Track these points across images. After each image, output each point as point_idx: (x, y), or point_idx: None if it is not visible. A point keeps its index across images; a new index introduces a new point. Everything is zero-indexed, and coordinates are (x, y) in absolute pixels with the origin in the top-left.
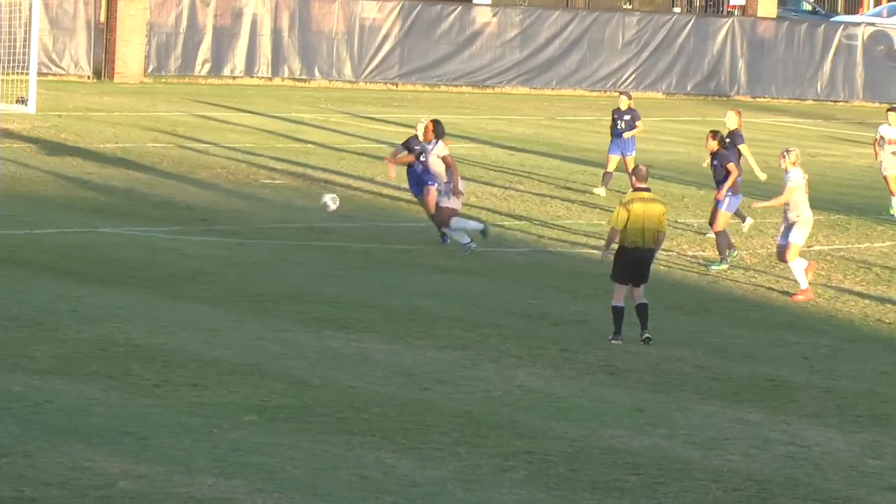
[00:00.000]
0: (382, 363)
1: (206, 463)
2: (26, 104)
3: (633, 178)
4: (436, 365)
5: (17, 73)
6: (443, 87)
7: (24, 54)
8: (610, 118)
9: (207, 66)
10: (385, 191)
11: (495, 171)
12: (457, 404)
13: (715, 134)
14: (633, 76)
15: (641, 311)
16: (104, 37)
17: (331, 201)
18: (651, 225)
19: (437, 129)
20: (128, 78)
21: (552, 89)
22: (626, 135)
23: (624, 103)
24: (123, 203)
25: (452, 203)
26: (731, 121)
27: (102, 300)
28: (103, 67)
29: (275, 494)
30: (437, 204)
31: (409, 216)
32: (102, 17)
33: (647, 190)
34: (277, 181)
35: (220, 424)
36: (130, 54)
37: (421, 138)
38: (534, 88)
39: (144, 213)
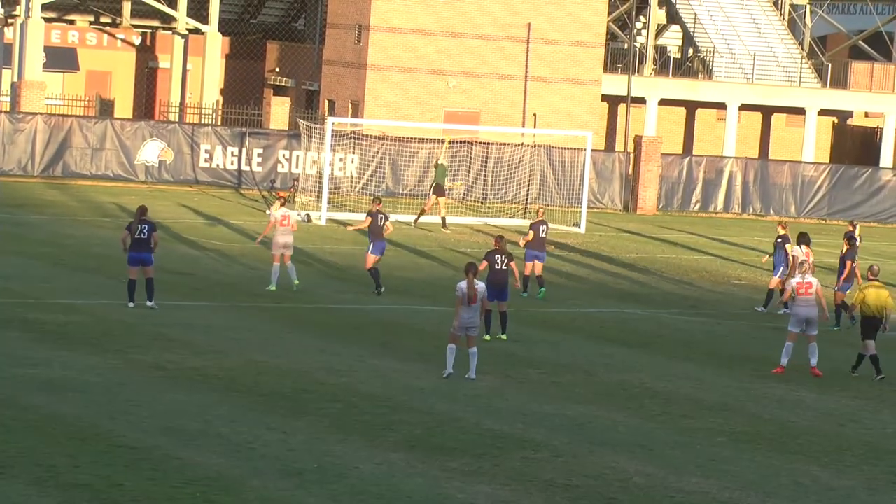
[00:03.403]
0: (812, 406)
1: (692, 468)
2: (579, 226)
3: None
4: (849, 410)
5: (573, 207)
6: None
7: (579, 193)
8: None
9: (698, 205)
10: None
11: None
12: (863, 437)
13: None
14: None
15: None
16: (631, 184)
17: (305, 217)
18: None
19: None
20: (646, 211)
21: None
22: None
23: None
24: (641, 292)
25: None
26: None
27: (626, 357)
28: (630, 203)
29: (737, 491)
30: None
31: None
32: (630, 171)
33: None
34: (742, 282)
35: (700, 442)
36: (648, 196)
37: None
38: None
39: (654, 299)
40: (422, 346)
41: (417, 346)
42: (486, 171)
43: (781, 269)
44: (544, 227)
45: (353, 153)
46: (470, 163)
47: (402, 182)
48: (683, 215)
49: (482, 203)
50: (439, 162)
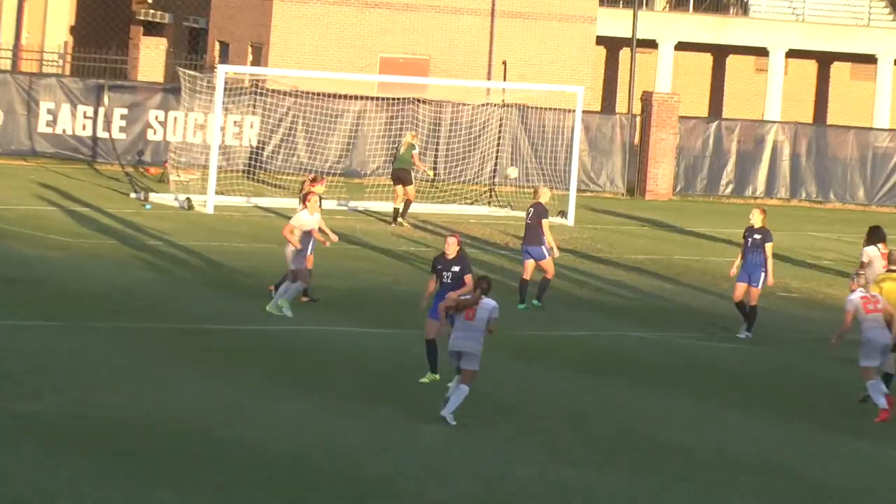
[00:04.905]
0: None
1: None
2: (566, 217)
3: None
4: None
5: (559, 189)
6: None
7: (565, 172)
8: None
9: (731, 187)
10: None
11: None
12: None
13: None
14: None
15: None
16: (637, 158)
17: (513, 172)
18: None
19: None
20: (658, 196)
21: None
22: None
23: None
24: (646, 308)
25: None
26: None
27: (631, 399)
28: (636, 186)
29: None
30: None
31: None
32: (636, 140)
33: None
34: (793, 294)
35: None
36: (661, 174)
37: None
38: None
39: (664, 318)
40: (345, 382)
41: (340, 380)
42: (437, 140)
43: (762, 276)
44: (531, 210)
45: (254, 115)
46: (415, 129)
47: (321, 155)
48: (710, 202)
49: (432, 184)
50: (403, 149)
